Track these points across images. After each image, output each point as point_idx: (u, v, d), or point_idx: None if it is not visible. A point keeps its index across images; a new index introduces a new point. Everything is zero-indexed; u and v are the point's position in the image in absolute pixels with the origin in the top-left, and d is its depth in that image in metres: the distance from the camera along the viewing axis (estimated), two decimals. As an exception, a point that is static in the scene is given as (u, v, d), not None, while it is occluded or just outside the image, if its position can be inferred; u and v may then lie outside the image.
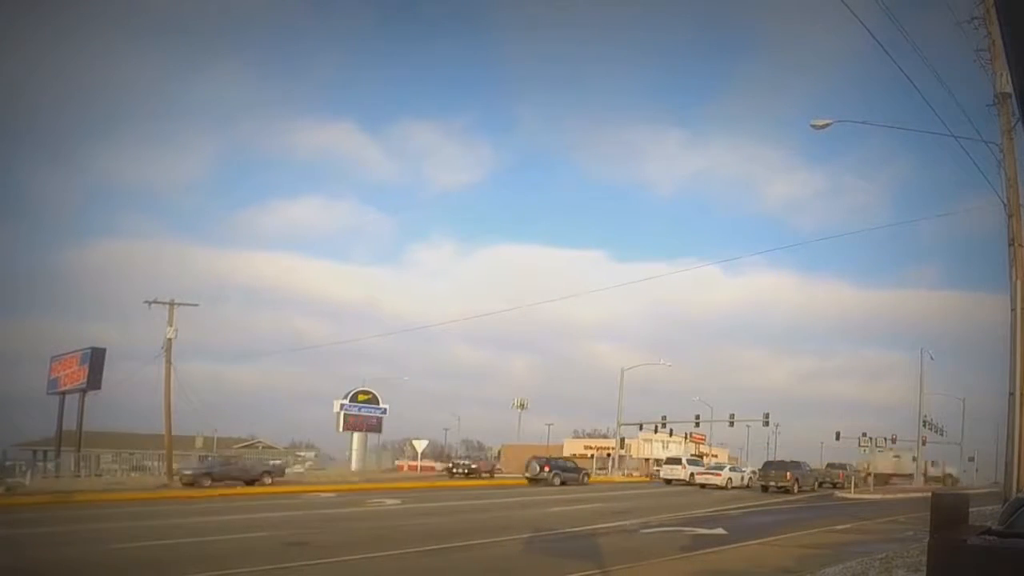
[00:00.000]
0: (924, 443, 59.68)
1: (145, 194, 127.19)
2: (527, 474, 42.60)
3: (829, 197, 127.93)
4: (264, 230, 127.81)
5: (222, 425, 69.82)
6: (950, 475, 61.42)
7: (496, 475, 49.09)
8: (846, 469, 48.86)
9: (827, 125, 19.21)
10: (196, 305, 41.06)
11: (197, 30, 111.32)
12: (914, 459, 60.36)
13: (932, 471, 61.63)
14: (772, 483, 40.75)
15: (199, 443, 61.48)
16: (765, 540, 17.54)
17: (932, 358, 57.03)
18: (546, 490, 37.53)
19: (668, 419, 65.91)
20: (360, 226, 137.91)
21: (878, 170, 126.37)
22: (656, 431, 71.22)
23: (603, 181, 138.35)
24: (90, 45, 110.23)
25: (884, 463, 60.98)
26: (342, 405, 52.05)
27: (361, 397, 53.13)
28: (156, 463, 38.93)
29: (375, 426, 53.92)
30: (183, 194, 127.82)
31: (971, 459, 64.17)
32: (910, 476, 59.50)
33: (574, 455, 63.83)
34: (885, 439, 69.27)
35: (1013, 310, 16.67)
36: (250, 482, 33.93)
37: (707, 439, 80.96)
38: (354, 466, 50.71)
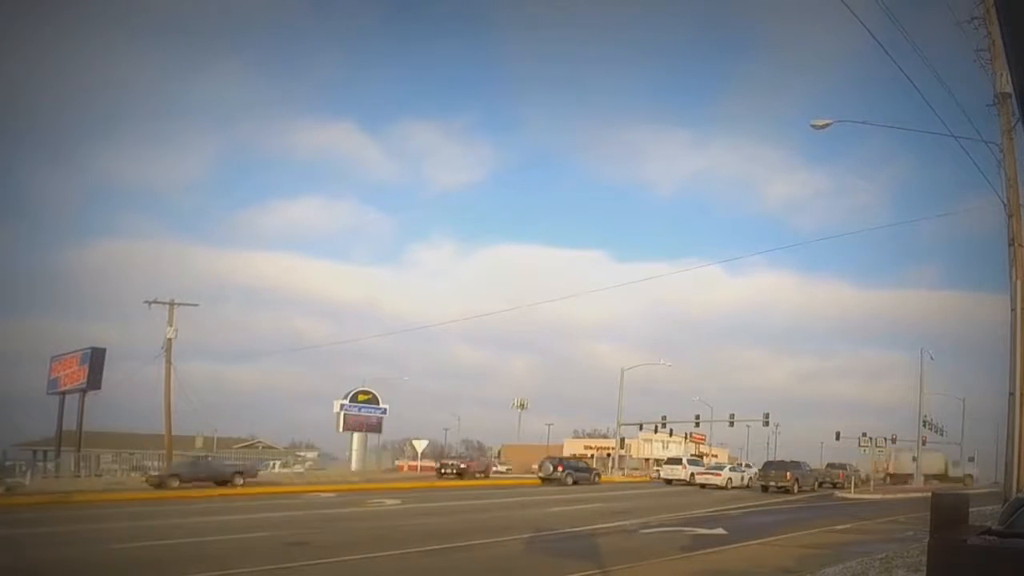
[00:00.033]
0: (924, 443, 59.66)
1: (145, 194, 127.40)
2: (541, 473, 43.87)
3: (829, 197, 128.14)
4: (264, 230, 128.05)
5: (222, 425, 69.95)
6: (970, 475, 61.30)
7: (491, 475, 48.42)
8: (846, 469, 48.80)
9: (827, 125, 19.22)
10: (196, 305, 41.28)
11: (197, 30, 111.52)
12: (914, 459, 60.33)
13: (953, 471, 61.38)
14: (772, 483, 40.74)
15: (199, 443, 61.47)
16: (765, 540, 17.54)
17: (932, 358, 57.07)
18: (546, 490, 37.54)
19: (668, 419, 65.95)
20: (360, 226, 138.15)
21: (878, 170, 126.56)
22: (656, 431, 71.29)
23: (603, 181, 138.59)
24: (90, 45, 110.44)
25: (903, 463, 60.86)
26: (342, 405, 52.03)
27: (361, 397, 53.10)
28: (156, 463, 38.92)
29: (375, 426, 53.90)
30: (183, 194, 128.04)
31: (971, 459, 64.10)
32: (937, 476, 59.16)
33: (574, 455, 63.81)
34: (885, 439, 69.23)
35: (1013, 310, 16.67)
36: (221, 483, 32.82)
37: (707, 439, 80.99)
38: (354, 466, 50.70)
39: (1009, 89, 15.24)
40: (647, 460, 79.42)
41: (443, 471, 46.17)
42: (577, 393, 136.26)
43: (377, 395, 53.94)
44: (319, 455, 70.24)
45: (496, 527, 18.85)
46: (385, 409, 53.99)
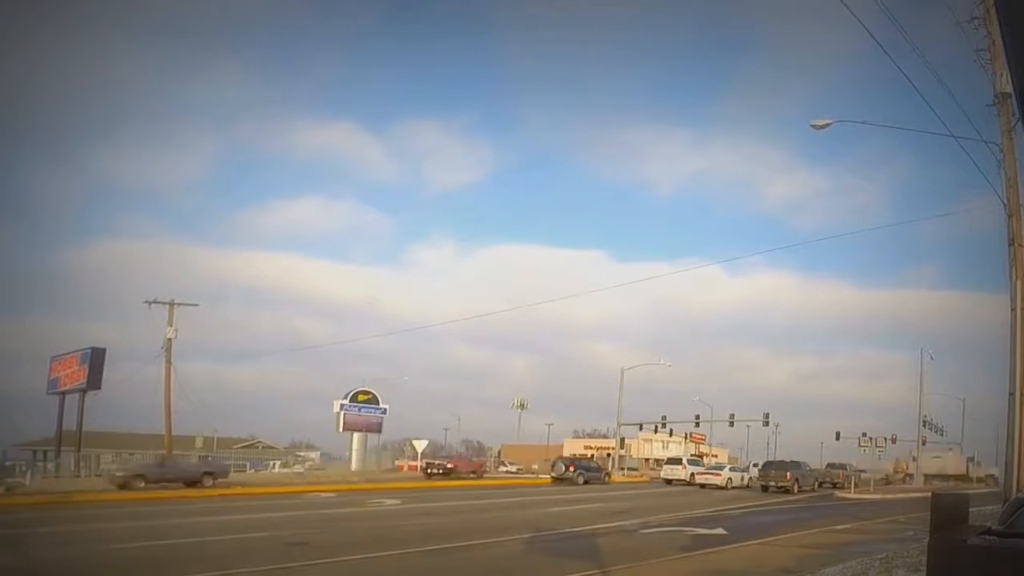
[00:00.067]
0: (924, 443, 59.66)
1: (145, 194, 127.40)
2: (553, 473, 45.16)
3: (829, 197, 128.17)
4: (264, 230, 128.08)
5: (222, 425, 69.97)
6: (991, 475, 61.21)
7: (484, 475, 47.76)
8: (846, 469, 48.83)
9: (827, 125, 19.22)
10: (196, 305, 41.28)
11: (197, 30, 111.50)
12: (914, 458, 60.34)
13: (976, 471, 61.27)
14: (772, 483, 40.76)
15: (199, 443, 61.49)
16: (765, 540, 17.54)
17: (932, 358, 57.03)
18: (546, 489, 37.58)
19: (668, 419, 65.99)
20: (360, 226, 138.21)
21: (878, 170, 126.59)
22: (656, 431, 71.33)
23: (603, 181, 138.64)
24: (90, 45, 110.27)
25: (928, 463, 60.84)
26: (342, 405, 51.99)
27: (361, 397, 53.07)
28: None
29: (375, 426, 53.88)
30: (183, 194, 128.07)
31: (971, 459, 64.12)
32: (958, 477, 59.01)
33: (574, 455, 63.85)
34: (885, 439, 69.38)
35: (1013, 310, 16.67)
36: (191, 483, 31.95)
37: (707, 439, 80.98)
38: (354, 466, 50.69)
39: (1009, 89, 15.24)
40: (647, 460, 79.46)
41: (429, 471, 45.58)
42: (577, 393, 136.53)
43: (377, 395, 53.92)
44: (321, 455, 70.21)
45: (496, 527, 18.85)
46: (385, 409, 53.97)
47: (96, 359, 41.08)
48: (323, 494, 30.52)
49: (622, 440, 64.62)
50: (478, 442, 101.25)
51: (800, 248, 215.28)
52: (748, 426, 68.12)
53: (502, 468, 65.64)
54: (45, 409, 44.39)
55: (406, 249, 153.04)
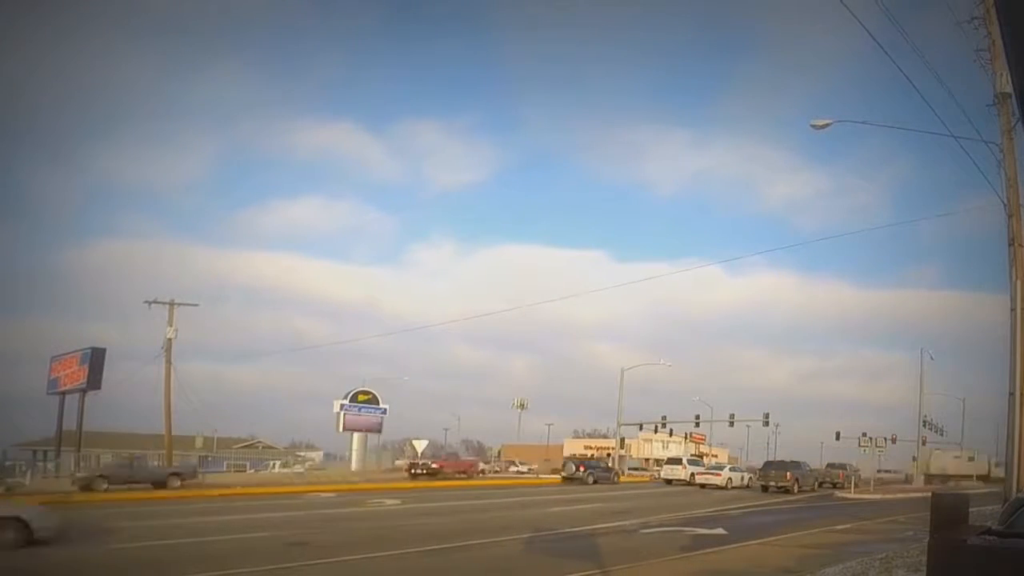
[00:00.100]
0: (924, 443, 59.61)
1: (145, 194, 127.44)
2: (564, 473, 46.23)
3: (829, 197, 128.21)
4: (264, 230, 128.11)
5: (222, 425, 69.93)
6: None
7: (475, 475, 47.05)
8: (846, 469, 48.80)
9: (827, 125, 19.21)
10: (196, 305, 41.20)
11: (197, 30, 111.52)
12: (914, 458, 60.29)
13: (997, 471, 61.10)
14: (772, 483, 40.75)
15: (199, 443, 61.47)
16: (765, 540, 17.54)
17: (932, 358, 56.99)
18: (545, 489, 37.60)
19: (668, 419, 65.85)
20: (361, 226, 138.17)
21: (878, 170, 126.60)
22: (656, 431, 71.24)
23: (603, 181, 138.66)
24: (90, 45, 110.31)
25: (948, 463, 60.64)
26: (342, 405, 51.99)
27: (361, 397, 53.06)
28: (156, 463, 38.81)
29: (375, 426, 53.87)
30: (183, 194, 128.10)
31: (971, 459, 64.06)
32: (981, 477, 58.73)
33: (574, 455, 63.84)
34: (885, 439, 69.07)
35: (1013, 310, 16.66)
36: (158, 485, 30.92)
37: (707, 439, 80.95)
38: (354, 466, 50.70)
39: (1009, 89, 15.24)
40: (647, 460, 79.44)
41: (413, 471, 44.28)
42: (577, 393, 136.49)
43: (377, 395, 53.91)
44: (324, 455, 70.20)
45: (496, 527, 18.86)
46: (385, 409, 53.96)
47: (96, 359, 41.06)
48: (323, 494, 30.52)
49: (622, 440, 64.57)
50: (478, 442, 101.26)
51: (800, 248, 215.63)
52: (748, 426, 68.14)
53: (513, 468, 65.57)
54: (45, 409, 44.40)
55: (406, 249, 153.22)
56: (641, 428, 69.17)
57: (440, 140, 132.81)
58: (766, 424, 61.27)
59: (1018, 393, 16.13)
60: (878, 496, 38.19)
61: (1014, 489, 15.55)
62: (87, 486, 29.35)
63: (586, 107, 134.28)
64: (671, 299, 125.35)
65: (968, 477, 58.19)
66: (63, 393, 42.81)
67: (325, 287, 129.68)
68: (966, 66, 18.03)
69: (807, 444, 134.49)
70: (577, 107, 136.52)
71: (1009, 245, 17.18)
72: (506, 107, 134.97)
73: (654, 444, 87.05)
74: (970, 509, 8.36)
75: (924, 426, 58.75)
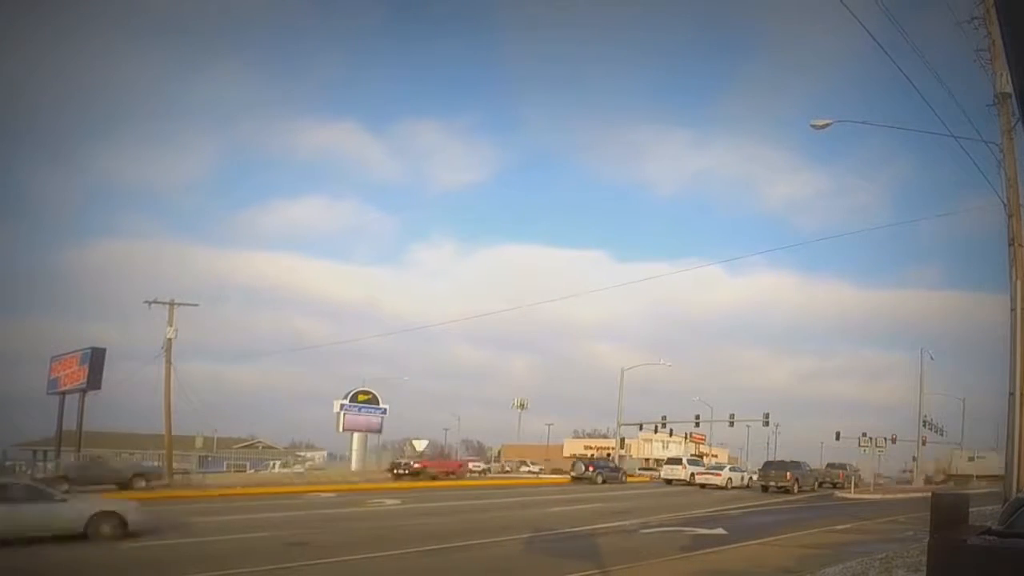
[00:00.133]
0: (924, 443, 59.64)
1: (145, 194, 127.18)
2: (573, 473, 46.83)
3: (829, 197, 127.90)
4: (264, 230, 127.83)
5: (222, 425, 69.94)
6: None
7: (464, 476, 46.53)
8: (846, 469, 48.80)
9: (827, 125, 19.20)
10: (196, 305, 41.09)
11: (197, 30, 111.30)
12: (914, 459, 60.28)
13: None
14: (772, 483, 40.74)
15: (199, 443, 61.49)
16: (765, 540, 17.55)
17: (932, 358, 57.00)
18: (545, 489, 37.60)
19: (668, 419, 65.86)
20: (361, 226, 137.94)
21: (878, 170, 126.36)
22: (656, 431, 71.25)
23: (604, 181, 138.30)
24: (90, 45, 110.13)
25: (961, 464, 60.56)
26: (342, 405, 51.95)
27: (361, 397, 53.03)
28: (157, 463, 38.79)
29: (375, 426, 53.86)
30: (183, 194, 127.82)
31: (971, 459, 64.08)
32: (1001, 478, 58.42)
33: (574, 455, 63.89)
34: (885, 439, 69.06)
35: (1013, 310, 16.66)
36: (122, 486, 29.94)
37: (707, 439, 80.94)
38: (354, 466, 50.69)
39: (1009, 89, 15.24)
40: (647, 460, 79.42)
41: (395, 471, 43.83)
42: (577, 393, 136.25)
43: (377, 395, 53.86)
44: (328, 454, 70.16)
45: (496, 527, 18.87)
46: (385, 409, 53.92)
47: (96, 359, 41.03)
48: (323, 494, 30.52)
49: (622, 440, 64.56)
50: (478, 442, 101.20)
51: (800, 248, 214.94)
52: (748, 426, 68.09)
53: (524, 468, 65.60)
54: (45, 409, 44.33)
55: (407, 249, 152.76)
56: (641, 428, 69.17)
57: (440, 140, 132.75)
58: (766, 424, 61.30)
59: (1018, 393, 16.13)
60: (878, 496, 38.20)
61: (1014, 489, 15.55)
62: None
63: (586, 107, 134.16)
64: (671, 299, 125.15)
65: (999, 478, 58.06)
66: (63, 393, 42.79)
67: (325, 287, 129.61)
68: (966, 66, 18.04)
69: (807, 444, 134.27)
70: (577, 107, 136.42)
71: (1009, 245, 17.18)
72: (506, 107, 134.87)
73: (654, 444, 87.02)
74: (970, 509, 8.37)
75: (924, 426, 58.81)
